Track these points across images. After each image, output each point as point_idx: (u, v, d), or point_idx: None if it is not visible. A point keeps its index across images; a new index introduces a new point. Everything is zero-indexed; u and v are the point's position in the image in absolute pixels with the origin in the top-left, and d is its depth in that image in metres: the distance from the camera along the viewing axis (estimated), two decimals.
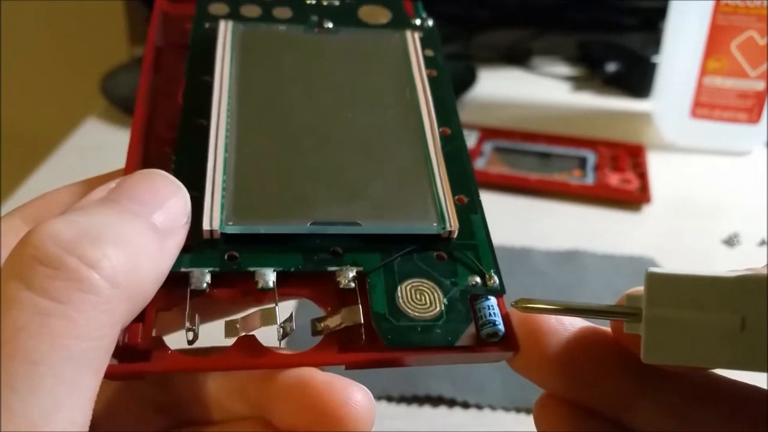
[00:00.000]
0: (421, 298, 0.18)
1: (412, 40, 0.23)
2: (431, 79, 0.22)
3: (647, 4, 0.72)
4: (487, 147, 0.55)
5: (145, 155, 0.19)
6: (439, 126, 0.21)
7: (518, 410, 0.33)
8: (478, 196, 0.20)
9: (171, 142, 0.20)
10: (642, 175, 0.51)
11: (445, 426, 0.32)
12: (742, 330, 0.15)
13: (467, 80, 0.64)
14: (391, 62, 0.23)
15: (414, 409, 0.33)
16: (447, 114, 0.22)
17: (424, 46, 0.23)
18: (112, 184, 0.16)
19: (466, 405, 0.33)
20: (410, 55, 0.23)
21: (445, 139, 0.21)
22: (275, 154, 0.19)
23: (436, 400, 0.33)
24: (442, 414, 0.33)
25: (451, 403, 0.33)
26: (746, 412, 0.16)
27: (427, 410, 0.33)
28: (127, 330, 0.16)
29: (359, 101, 0.21)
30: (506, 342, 0.17)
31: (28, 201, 0.18)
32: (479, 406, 0.33)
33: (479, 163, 0.53)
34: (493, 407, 0.33)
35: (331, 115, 0.21)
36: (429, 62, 0.23)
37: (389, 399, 0.33)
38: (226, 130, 0.19)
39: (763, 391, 0.17)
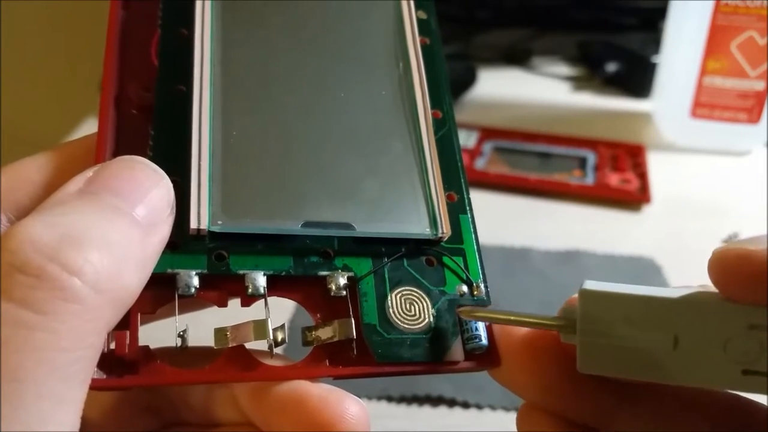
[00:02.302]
0: (410, 308, 0.18)
1: (407, 1, 0.22)
2: (424, 49, 0.21)
3: (647, 4, 0.72)
4: (487, 147, 0.55)
5: (119, 127, 0.18)
6: (432, 107, 0.20)
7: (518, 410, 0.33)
8: (467, 190, 0.20)
9: (147, 109, 0.18)
10: (642, 175, 0.51)
11: (445, 426, 0.32)
12: (674, 348, 0.15)
13: (467, 80, 0.64)
14: (384, 28, 0.21)
15: (414, 409, 0.33)
16: (438, 91, 0.21)
17: (417, 6, 0.22)
18: (90, 173, 0.15)
19: (466, 405, 0.33)
20: (404, 20, 0.22)
21: (436, 124, 0.20)
22: (264, 139, 0.18)
23: (436, 400, 0.33)
24: (442, 414, 0.33)
25: (451, 403, 0.33)
26: (729, 419, 0.16)
27: (427, 410, 0.33)
28: (113, 337, 0.15)
29: (351, 76, 0.20)
30: (489, 356, 0.18)
31: None
32: (479, 406, 0.33)
33: (479, 163, 0.53)
34: (493, 407, 0.33)
35: (323, 94, 0.20)
36: (422, 27, 0.22)
37: (389, 399, 0.33)
38: (210, 106, 0.18)
39: (746, 400, 0.17)
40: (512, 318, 0.17)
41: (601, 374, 0.16)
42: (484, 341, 0.18)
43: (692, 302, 0.15)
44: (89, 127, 0.58)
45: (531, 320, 0.17)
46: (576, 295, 0.16)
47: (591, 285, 0.15)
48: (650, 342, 0.15)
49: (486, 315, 0.17)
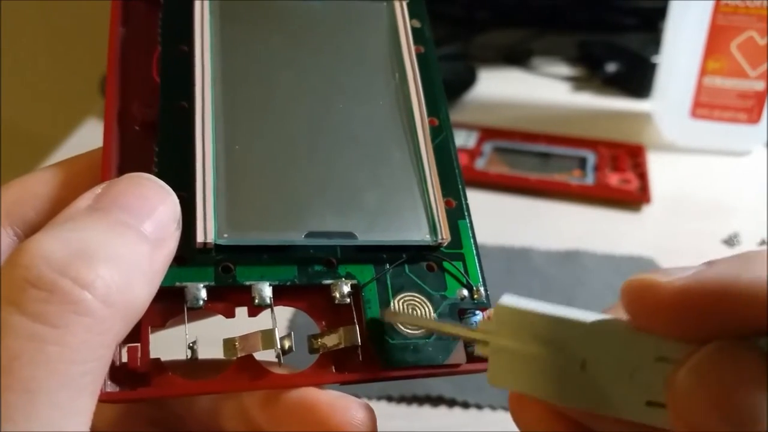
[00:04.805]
0: (413, 314, 0.18)
1: (400, 11, 0.22)
2: (419, 57, 0.22)
3: (647, 4, 0.72)
4: (487, 147, 0.55)
5: (123, 143, 0.18)
6: (428, 115, 0.21)
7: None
8: (465, 196, 0.20)
9: (149, 125, 0.18)
10: (642, 175, 0.51)
11: (445, 426, 0.32)
12: (581, 371, 0.15)
13: (467, 80, 0.64)
14: (379, 38, 0.22)
15: (414, 409, 0.33)
16: (434, 99, 0.21)
17: (411, 15, 0.22)
18: (99, 189, 0.15)
19: (466, 405, 0.33)
20: (398, 30, 0.22)
21: (433, 131, 0.21)
22: (265, 152, 0.19)
23: (436, 400, 0.33)
24: (442, 414, 0.33)
25: (451, 403, 0.33)
26: None
27: (427, 410, 0.33)
28: (125, 350, 0.16)
29: (348, 87, 0.21)
30: None
31: None
32: (479, 406, 0.33)
33: (479, 163, 0.53)
34: (493, 407, 0.33)
35: (322, 106, 0.20)
36: (416, 35, 0.22)
37: (389, 399, 0.33)
38: (212, 122, 0.18)
39: None
40: (432, 325, 0.17)
41: (511, 389, 0.16)
42: None
43: (603, 328, 0.15)
44: (89, 127, 0.58)
45: (450, 330, 0.17)
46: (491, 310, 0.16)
47: (508, 300, 0.15)
48: (558, 362, 0.15)
49: (408, 320, 0.18)
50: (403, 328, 0.18)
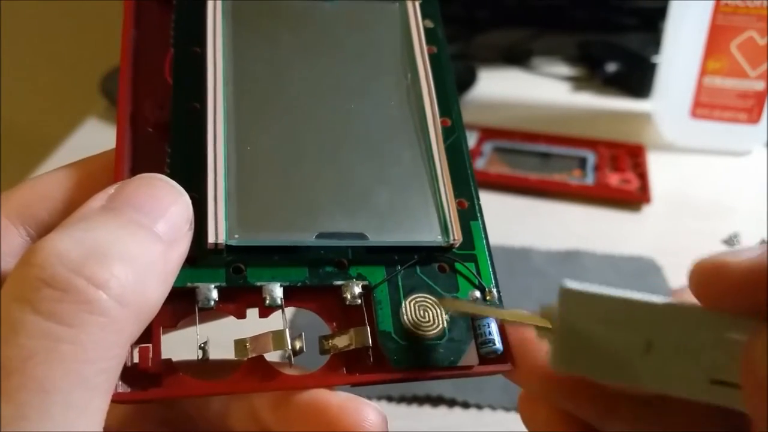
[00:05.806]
0: (424, 315, 0.18)
1: (413, 11, 0.22)
2: (431, 58, 0.22)
3: (647, 4, 0.72)
4: (487, 147, 0.55)
5: (135, 144, 0.18)
6: (440, 115, 0.21)
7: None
8: (477, 197, 0.20)
9: (161, 126, 0.18)
10: (642, 175, 0.51)
11: (445, 426, 0.32)
12: (647, 352, 0.15)
13: (467, 80, 0.64)
14: (391, 39, 0.22)
15: (414, 409, 0.33)
16: (447, 100, 0.21)
17: (423, 15, 0.22)
18: (112, 190, 0.16)
19: (466, 405, 0.33)
20: (411, 30, 0.22)
21: (445, 131, 0.21)
22: (277, 153, 0.19)
23: (436, 400, 0.33)
24: (442, 414, 0.33)
25: (451, 403, 0.33)
26: (725, 419, 0.17)
27: (427, 410, 0.33)
28: (136, 350, 0.16)
29: (360, 88, 0.21)
30: (503, 358, 0.18)
31: (8, 192, 0.17)
32: (479, 406, 0.33)
33: (479, 163, 0.53)
34: (493, 407, 0.33)
35: (333, 107, 0.20)
36: (429, 36, 0.22)
37: (389, 399, 0.33)
38: (224, 123, 0.18)
39: None
40: (492, 312, 0.18)
41: (574, 374, 0.16)
42: (498, 345, 0.18)
43: (670, 308, 0.15)
44: (89, 127, 0.58)
45: (511, 316, 0.17)
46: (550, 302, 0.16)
47: (571, 284, 0.15)
48: (624, 344, 0.15)
49: (466, 307, 0.18)
50: (414, 329, 0.17)
